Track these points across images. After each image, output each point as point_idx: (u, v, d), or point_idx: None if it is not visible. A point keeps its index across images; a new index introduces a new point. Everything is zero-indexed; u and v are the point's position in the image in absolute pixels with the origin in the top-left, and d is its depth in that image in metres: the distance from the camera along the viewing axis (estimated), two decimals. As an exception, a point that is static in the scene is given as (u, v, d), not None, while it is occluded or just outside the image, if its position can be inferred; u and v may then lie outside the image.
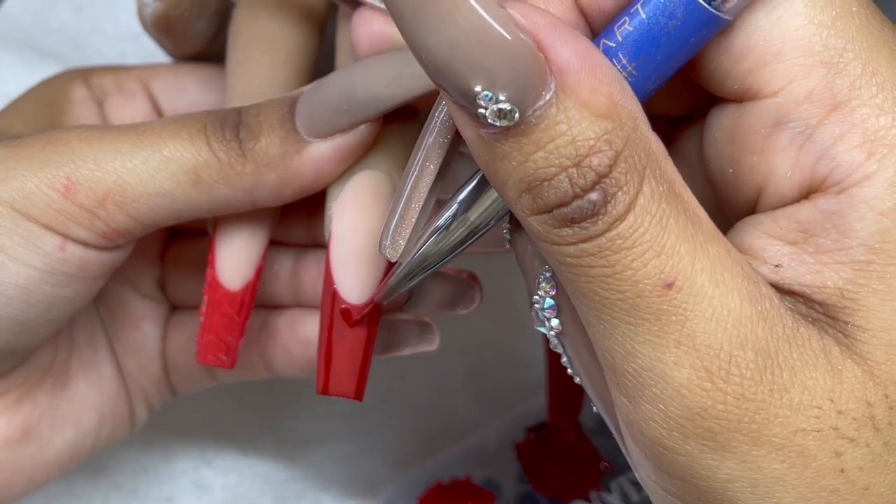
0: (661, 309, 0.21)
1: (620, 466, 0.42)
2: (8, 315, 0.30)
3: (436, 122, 0.24)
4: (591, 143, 0.20)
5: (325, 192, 0.31)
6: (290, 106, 0.30)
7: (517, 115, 0.20)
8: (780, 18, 0.22)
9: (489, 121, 0.20)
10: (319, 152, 0.30)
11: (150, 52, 0.39)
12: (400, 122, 0.31)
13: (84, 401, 0.35)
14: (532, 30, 0.20)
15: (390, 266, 0.30)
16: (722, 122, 0.24)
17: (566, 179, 0.20)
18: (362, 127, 0.30)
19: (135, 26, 0.36)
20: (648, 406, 0.22)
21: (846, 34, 0.22)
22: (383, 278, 0.30)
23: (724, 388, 0.21)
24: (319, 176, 0.30)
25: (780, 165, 0.22)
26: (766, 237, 0.23)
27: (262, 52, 0.33)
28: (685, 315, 0.21)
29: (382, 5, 0.29)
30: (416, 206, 0.25)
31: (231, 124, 0.30)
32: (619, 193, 0.20)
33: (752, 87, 0.22)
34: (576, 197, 0.20)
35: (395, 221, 0.26)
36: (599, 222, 0.20)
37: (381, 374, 0.41)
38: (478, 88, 0.20)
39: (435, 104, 0.25)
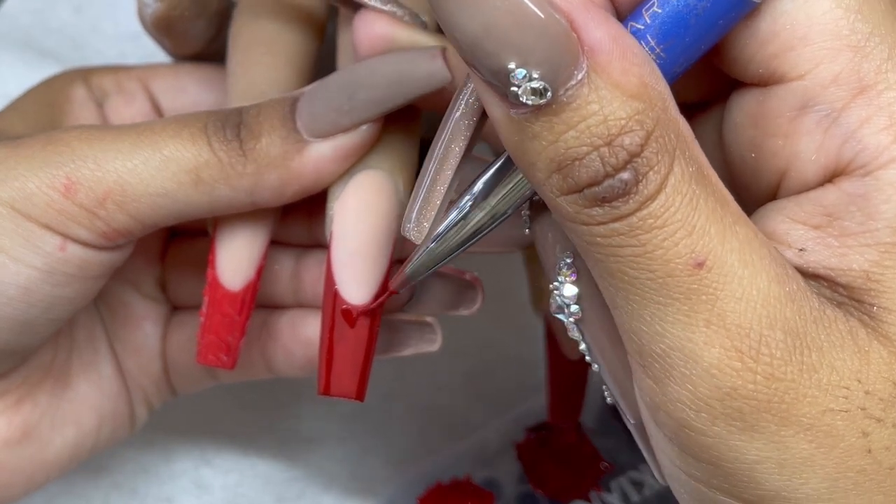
0: (691, 288, 0.21)
1: (620, 466, 0.42)
2: (8, 315, 0.30)
3: (460, 103, 0.24)
4: (623, 122, 0.20)
5: (326, 192, 0.31)
6: (291, 106, 0.30)
7: (549, 93, 0.20)
8: (806, 2, 0.22)
9: (521, 100, 0.20)
10: (320, 152, 0.30)
11: (150, 52, 0.39)
12: (402, 121, 0.31)
13: (84, 401, 0.35)
14: (566, 9, 0.20)
15: (392, 265, 0.30)
16: (744, 107, 0.24)
17: (598, 158, 0.20)
18: (364, 127, 0.30)
19: (135, 26, 0.35)
20: (676, 387, 0.21)
21: (873, 18, 0.22)
22: (387, 276, 0.30)
23: (755, 367, 0.21)
24: (320, 176, 0.30)
25: (805, 149, 0.22)
26: (790, 221, 0.23)
27: (263, 52, 0.33)
28: (716, 295, 0.21)
29: (384, 7, 0.29)
30: (441, 189, 0.25)
31: (232, 124, 0.30)
32: (651, 173, 0.20)
33: (777, 71, 0.22)
34: (607, 176, 0.20)
35: (419, 204, 0.25)
36: (631, 201, 0.20)
37: (382, 374, 0.41)
38: (511, 66, 0.20)
39: (459, 87, 0.25)
